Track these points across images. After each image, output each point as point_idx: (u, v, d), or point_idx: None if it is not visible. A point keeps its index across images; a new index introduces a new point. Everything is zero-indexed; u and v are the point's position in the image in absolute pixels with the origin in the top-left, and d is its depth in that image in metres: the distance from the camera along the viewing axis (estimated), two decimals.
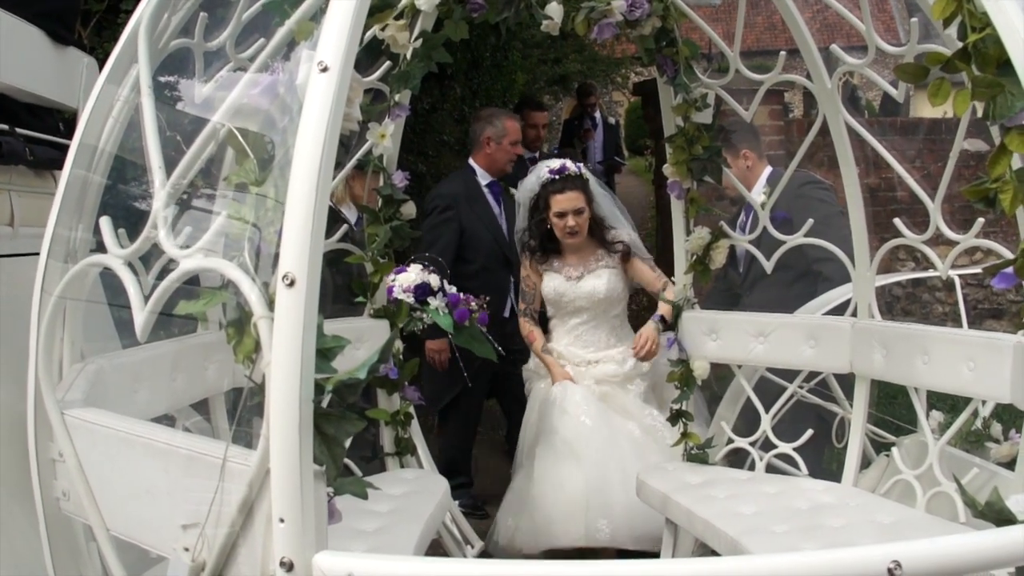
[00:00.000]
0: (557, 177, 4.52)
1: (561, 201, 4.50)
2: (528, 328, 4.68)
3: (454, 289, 4.00)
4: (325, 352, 1.55)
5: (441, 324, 3.77)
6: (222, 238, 1.71)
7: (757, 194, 4.36)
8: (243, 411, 1.64)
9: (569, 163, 4.58)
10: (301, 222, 1.50)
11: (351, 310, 3.89)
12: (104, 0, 4.69)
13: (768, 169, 4.79)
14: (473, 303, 4.00)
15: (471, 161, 5.41)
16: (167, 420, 2.79)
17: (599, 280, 4.57)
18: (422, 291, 3.84)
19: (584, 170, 4.64)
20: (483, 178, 5.36)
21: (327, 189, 1.54)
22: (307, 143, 1.52)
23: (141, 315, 1.77)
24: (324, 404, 1.53)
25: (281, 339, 1.49)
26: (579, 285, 4.58)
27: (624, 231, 4.69)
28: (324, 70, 1.54)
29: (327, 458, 1.53)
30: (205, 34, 2.48)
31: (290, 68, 1.70)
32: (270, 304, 1.54)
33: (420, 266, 3.87)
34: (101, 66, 3.66)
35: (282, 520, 1.48)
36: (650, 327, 4.28)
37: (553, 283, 4.63)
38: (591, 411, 4.29)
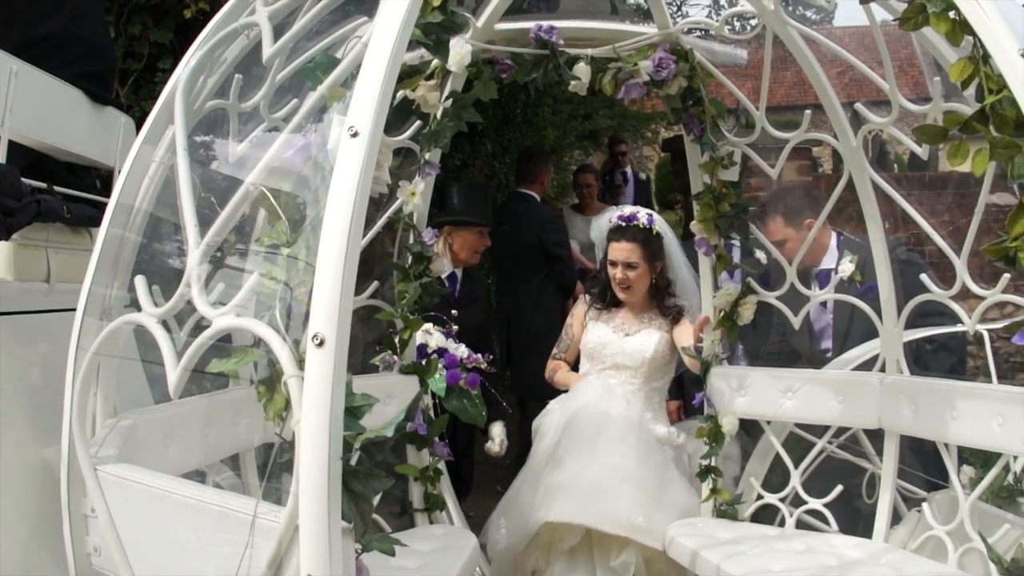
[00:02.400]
0: (623, 224, 4.24)
1: (616, 250, 4.23)
2: (553, 364, 4.46)
3: (462, 348, 4.04)
4: (354, 410, 1.58)
5: (434, 387, 3.82)
6: (253, 297, 1.75)
7: (830, 263, 4.32)
8: (273, 467, 1.67)
9: (643, 213, 4.28)
10: (331, 283, 1.54)
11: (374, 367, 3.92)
12: (142, 60, 4.83)
13: (834, 235, 4.59)
14: (483, 363, 4.04)
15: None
16: (198, 476, 2.83)
17: (649, 340, 4.22)
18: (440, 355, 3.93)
19: (659, 226, 4.29)
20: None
21: (356, 251, 1.58)
22: (338, 206, 1.56)
23: (175, 373, 1.81)
24: (352, 461, 1.56)
25: (311, 398, 1.52)
26: (627, 340, 4.24)
27: (687, 299, 4.34)
28: (355, 135, 1.59)
29: (355, 515, 1.55)
30: (240, 95, 2.55)
31: (322, 130, 1.76)
32: (300, 363, 1.57)
33: (442, 328, 3.94)
34: (138, 125, 3.79)
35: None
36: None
37: (599, 332, 4.31)
38: (617, 403, 4.06)
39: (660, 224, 4.29)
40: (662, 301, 4.28)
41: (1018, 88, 1.79)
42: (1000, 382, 3.86)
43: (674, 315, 4.25)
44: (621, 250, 4.21)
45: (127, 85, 4.70)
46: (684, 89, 3.60)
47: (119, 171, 3.50)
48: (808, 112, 3.54)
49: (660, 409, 4.27)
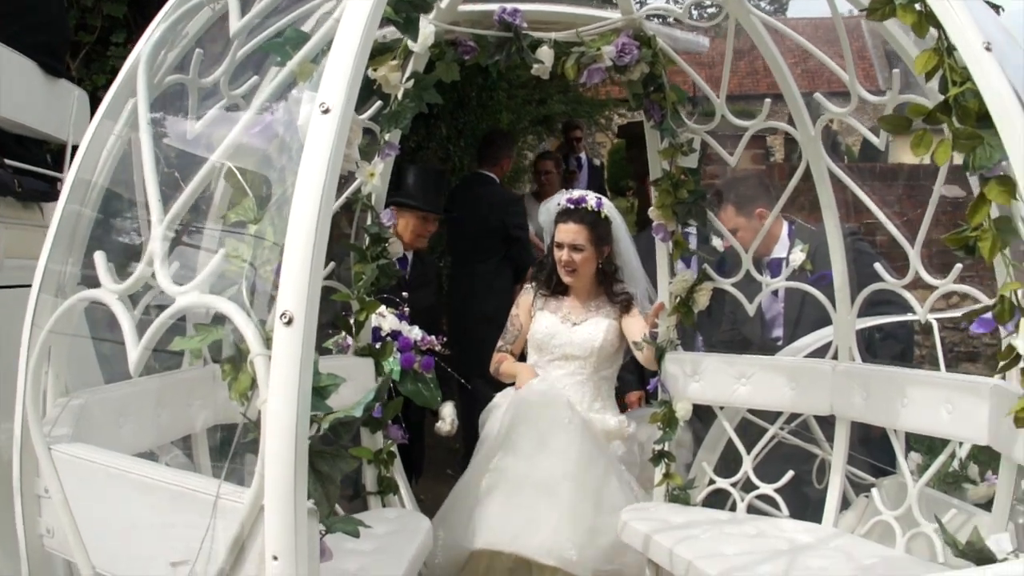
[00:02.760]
0: (571, 207, 4.21)
1: (563, 231, 4.19)
2: (498, 356, 4.37)
3: (416, 330, 4.02)
4: (320, 390, 1.57)
5: (388, 371, 3.81)
6: (216, 275, 1.72)
7: (782, 252, 4.37)
8: (237, 447, 1.65)
9: (592, 197, 4.25)
10: (301, 261, 1.52)
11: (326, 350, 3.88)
12: (95, 33, 4.72)
13: (786, 224, 4.61)
14: (437, 345, 4.03)
15: None
16: (149, 457, 2.79)
17: (597, 329, 4.19)
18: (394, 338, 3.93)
19: (608, 210, 4.25)
20: None
21: (326, 229, 1.56)
22: (308, 183, 1.54)
23: (136, 351, 1.77)
24: (318, 442, 1.54)
25: (278, 377, 1.50)
26: (574, 330, 4.20)
27: (634, 286, 4.33)
28: (326, 112, 1.57)
29: (321, 496, 1.54)
30: (200, 70, 2.50)
31: (290, 108, 1.73)
32: (266, 342, 1.55)
33: (395, 311, 3.93)
34: (90, 99, 3.71)
35: (276, 558, 1.49)
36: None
37: (546, 322, 4.26)
38: (561, 411, 3.91)
39: (609, 209, 4.27)
40: (610, 287, 4.26)
41: (982, 81, 1.81)
42: (946, 371, 3.94)
43: (623, 303, 4.24)
44: (568, 232, 4.18)
45: (79, 58, 4.59)
46: (646, 75, 3.60)
47: (72, 145, 3.43)
48: (768, 100, 3.57)
49: (609, 398, 4.28)
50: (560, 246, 4.20)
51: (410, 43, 3.18)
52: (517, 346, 4.42)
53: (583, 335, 4.19)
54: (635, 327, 4.15)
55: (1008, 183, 1.84)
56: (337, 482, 1.54)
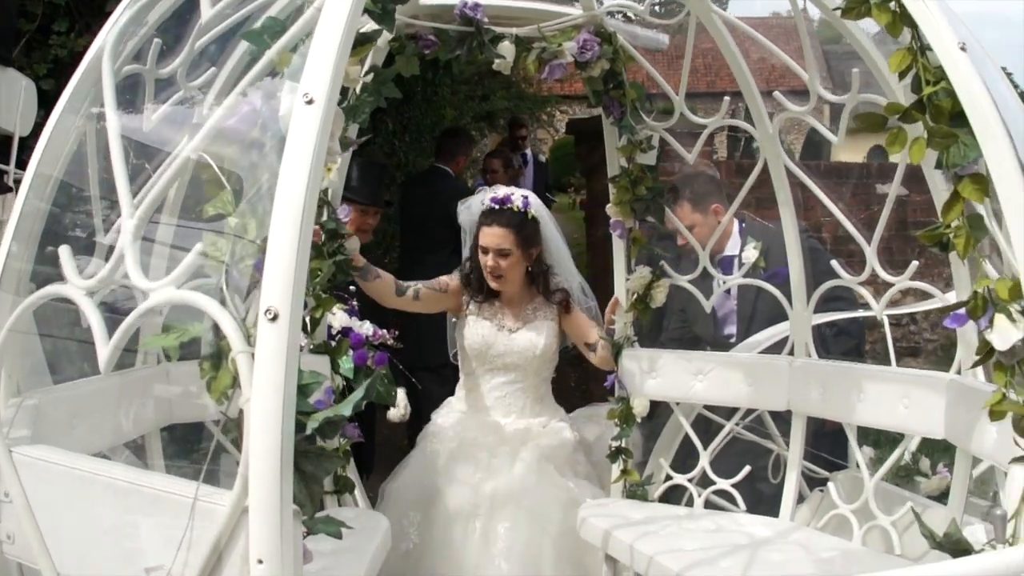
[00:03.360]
0: (496, 208, 3.91)
1: (487, 235, 3.89)
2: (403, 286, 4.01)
3: (367, 325, 3.96)
4: (303, 388, 1.53)
5: (342, 370, 3.76)
6: (192, 270, 1.67)
7: (733, 249, 4.41)
8: (208, 447, 1.60)
9: (517, 195, 3.95)
10: (286, 255, 1.48)
11: None
12: (35, 21, 4.58)
13: (736, 222, 4.59)
14: (388, 339, 3.98)
15: None
16: (102, 458, 2.71)
17: (538, 335, 3.99)
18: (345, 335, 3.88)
19: (536, 209, 3.96)
20: None
21: (311, 222, 1.52)
22: (293, 176, 1.50)
23: (106, 349, 1.71)
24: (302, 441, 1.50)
25: (262, 375, 1.45)
26: (512, 338, 3.99)
27: (567, 280, 4.14)
28: (310, 102, 1.53)
29: (305, 497, 1.50)
30: (157, 61, 2.44)
31: (267, 98, 1.68)
32: (248, 338, 1.51)
33: (344, 306, 3.86)
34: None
35: (261, 561, 1.44)
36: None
37: (481, 331, 4.01)
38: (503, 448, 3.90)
39: (536, 207, 4.00)
40: (545, 287, 4.04)
41: (957, 80, 1.84)
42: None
43: (561, 302, 4.05)
44: (492, 236, 3.88)
45: (19, 47, 4.44)
46: (606, 72, 3.60)
47: (19, 136, 3.33)
48: (727, 98, 3.60)
49: (548, 397, 4.17)
50: (485, 251, 3.92)
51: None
52: (424, 299, 4.08)
53: (522, 343, 4.00)
54: (580, 327, 4.05)
55: (981, 181, 1.87)
56: (322, 482, 1.51)
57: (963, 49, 1.84)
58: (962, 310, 1.91)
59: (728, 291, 4.33)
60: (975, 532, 1.71)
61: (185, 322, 1.71)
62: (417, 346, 4.95)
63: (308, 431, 1.45)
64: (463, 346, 4.08)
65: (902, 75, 1.99)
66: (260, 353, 1.46)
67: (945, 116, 1.88)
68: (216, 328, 1.55)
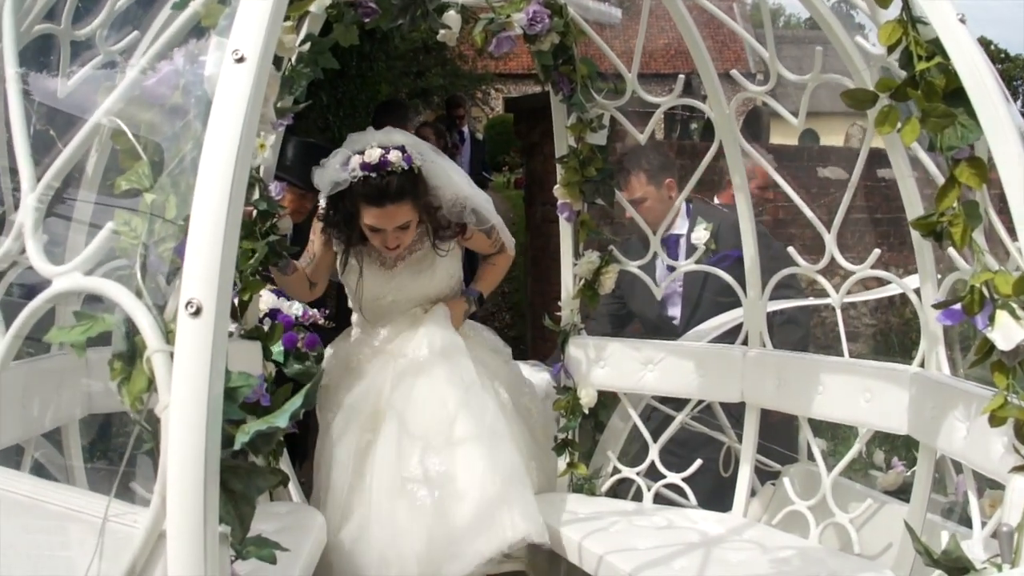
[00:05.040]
0: (380, 177, 3.20)
1: (378, 216, 3.26)
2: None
3: (296, 305, 3.76)
4: (231, 392, 1.32)
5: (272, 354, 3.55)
6: (102, 253, 1.45)
7: (679, 228, 4.28)
8: (128, 460, 1.39)
9: (394, 153, 3.23)
10: (211, 239, 1.27)
11: None
12: None
13: (684, 202, 4.34)
14: (319, 318, 3.78)
15: None
16: (15, 451, 2.48)
17: (431, 278, 3.50)
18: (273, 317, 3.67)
19: (416, 158, 3.29)
20: None
21: (241, 200, 1.31)
22: (220, 145, 1.28)
23: (3, 340, 1.48)
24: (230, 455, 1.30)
25: (183, 378, 1.25)
26: (403, 283, 3.48)
27: (450, 191, 3.43)
28: (240, 60, 1.32)
29: (234, 519, 1.29)
30: (73, 20, 2.21)
31: (192, 57, 1.46)
32: (167, 335, 1.30)
33: (272, 287, 3.65)
34: None
35: None
36: (460, 307, 3.52)
37: (373, 279, 3.48)
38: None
39: (413, 147, 3.34)
40: (437, 227, 3.44)
41: (956, 54, 1.70)
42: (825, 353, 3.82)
43: (456, 233, 3.50)
44: (387, 216, 3.25)
45: None
46: (556, 46, 3.41)
47: None
48: (682, 77, 3.45)
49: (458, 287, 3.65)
50: (376, 230, 3.31)
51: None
52: (318, 280, 3.63)
53: (414, 291, 3.50)
54: (480, 242, 3.60)
55: (980, 165, 1.73)
56: (253, 502, 1.30)
57: (963, 21, 1.70)
58: (957, 306, 1.77)
59: (671, 270, 4.16)
60: (973, 547, 1.57)
61: (97, 312, 1.49)
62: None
63: (237, 446, 1.25)
64: (363, 300, 3.56)
65: (891, 49, 1.85)
66: (180, 352, 1.25)
67: (938, 95, 1.74)
68: (130, 322, 1.34)
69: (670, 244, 4.26)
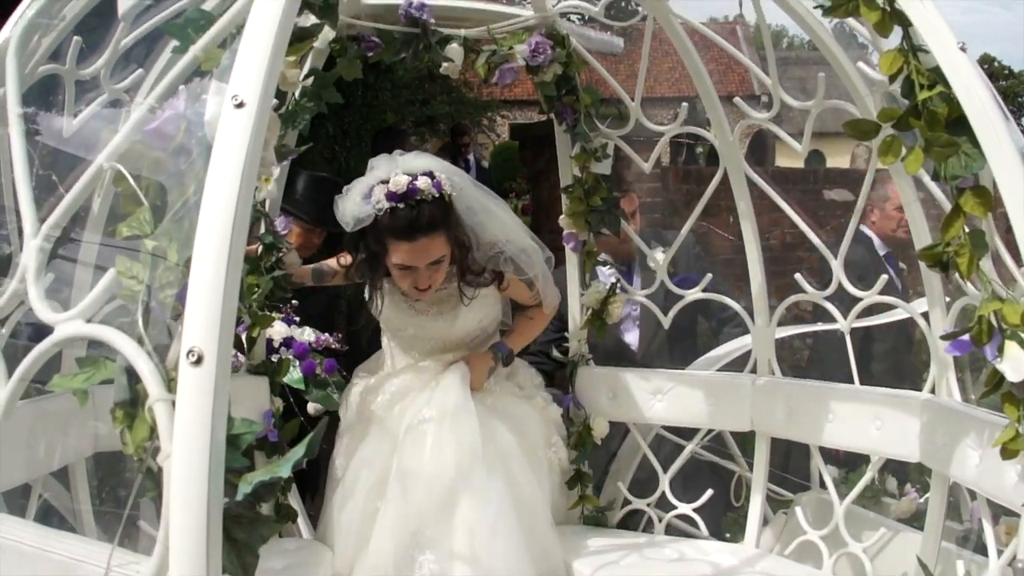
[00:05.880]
0: (409, 208, 2.86)
1: (410, 252, 2.92)
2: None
3: (308, 331, 3.75)
4: (234, 439, 1.31)
5: (291, 382, 3.52)
6: (104, 300, 1.44)
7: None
8: (133, 504, 1.38)
9: (422, 180, 2.88)
10: (211, 284, 1.26)
11: None
12: None
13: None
14: (333, 342, 3.78)
15: None
16: (23, 491, 2.46)
17: (451, 324, 3.18)
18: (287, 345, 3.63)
19: (446, 185, 2.95)
20: None
21: (242, 244, 1.30)
22: (220, 189, 1.28)
23: (6, 386, 1.47)
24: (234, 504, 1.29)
25: (185, 427, 1.23)
26: (422, 322, 3.19)
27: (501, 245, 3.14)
28: (240, 105, 1.31)
29: (237, 568, 1.28)
30: (78, 60, 2.22)
31: (192, 101, 1.46)
32: (169, 383, 1.29)
33: (280, 315, 3.64)
34: None
35: None
36: (483, 365, 3.21)
37: (394, 309, 3.19)
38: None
39: (441, 172, 2.98)
40: (464, 276, 3.12)
41: (957, 83, 1.69)
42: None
43: (493, 279, 3.20)
44: (418, 251, 2.91)
45: None
46: (559, 76, 3.42)
47: None
48: (685, 104, 3.44)
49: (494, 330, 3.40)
50: (405, 267, 2.97)
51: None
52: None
53: (445, 331, 3.21)
54: (521, 292, 3.31)
55: (984, 194, 1.72)
56: (257, 551, 1.29)
57: (963, 50, 1.69)
58: (965, 336, 1.75)
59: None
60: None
61: (101, 355, 1.48)
62: (369, 347, 4.75)
63: (240, 496, 1.23)
64: (384, 324, 3.33)
65: (892, 78, 1.84)
66: (181, 402, 1.24)
67: (941, 124, 1.73)
68: (131, 369, 1.33)
69: (628, 272, 4.28)
